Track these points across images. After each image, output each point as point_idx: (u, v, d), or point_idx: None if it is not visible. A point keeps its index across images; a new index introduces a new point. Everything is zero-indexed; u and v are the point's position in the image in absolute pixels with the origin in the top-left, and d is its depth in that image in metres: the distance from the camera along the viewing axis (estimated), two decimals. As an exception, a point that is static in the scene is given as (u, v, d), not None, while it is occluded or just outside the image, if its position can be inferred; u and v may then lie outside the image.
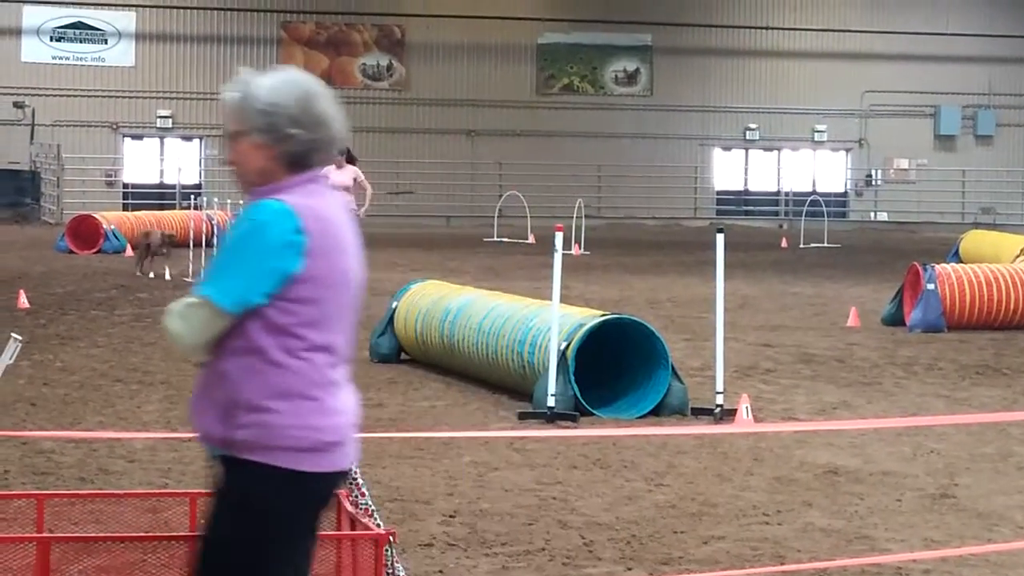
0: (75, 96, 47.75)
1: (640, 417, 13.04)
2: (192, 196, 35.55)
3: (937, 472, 10.95)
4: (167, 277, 25.91)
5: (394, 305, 16.37)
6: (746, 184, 53.51)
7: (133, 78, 48.36)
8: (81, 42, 48.02)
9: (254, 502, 4.49)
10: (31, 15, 47.63)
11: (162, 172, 49.44)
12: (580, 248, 34.86)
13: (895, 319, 20.46)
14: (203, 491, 7.51)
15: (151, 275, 26.09)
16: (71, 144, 47.04)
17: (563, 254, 13.49)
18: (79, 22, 47.95)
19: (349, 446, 4.63)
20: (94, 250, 31.96)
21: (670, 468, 10.96)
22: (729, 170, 53.27)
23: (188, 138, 49.38)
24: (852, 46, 52.48)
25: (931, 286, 19.90)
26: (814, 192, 49.99)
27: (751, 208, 52.73)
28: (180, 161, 48.52)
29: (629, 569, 8.31)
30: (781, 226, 49.43)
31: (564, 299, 14.36)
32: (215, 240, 25.71)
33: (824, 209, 42.42)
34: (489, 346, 14.17)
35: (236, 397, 4.48)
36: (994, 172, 53.64)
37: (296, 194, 4.57)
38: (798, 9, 52.70)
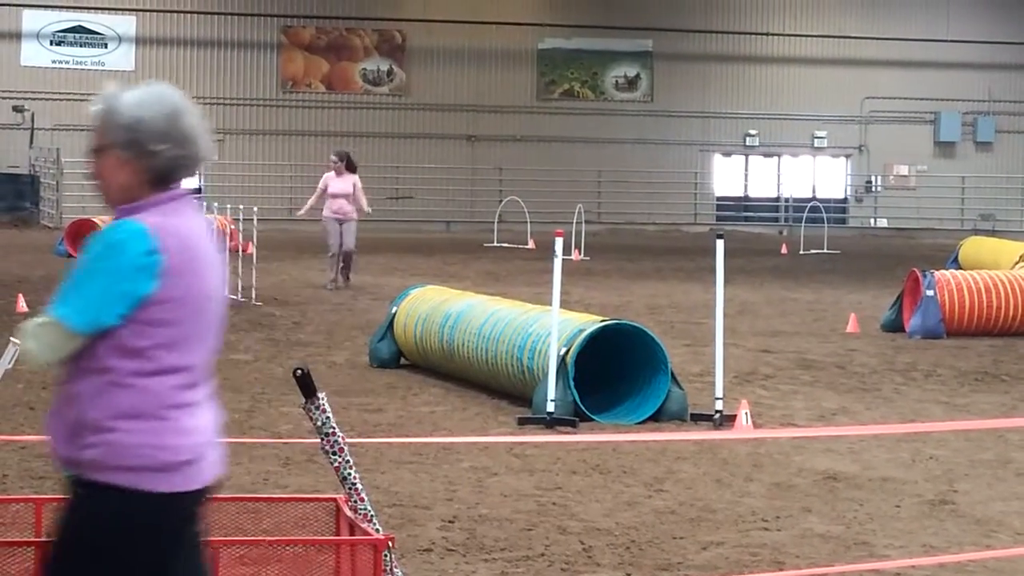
0: (75, 100, 47.72)
1: (640, 423, 13.05)
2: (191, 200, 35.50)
3: (936, 478, 10.95)
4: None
5: (393, 310, 16.37)
6: (746, 190, 53.51)
7: (133, 82, 48.22)
8: (81, 46, 48.02)
9: (100, 523, 4.45)
10: (31, 19, 47.64)
11: (162, 176, 49.42)
12: (580, 253, 34.87)
13: (894, 325, 20.47)
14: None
15: None
16: (70, 148, 47.01)
17: (563, 259, 13.49)
18: (79, 26, 47.96)
19: (206, 465, 4.57)
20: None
21: (669, 474, 10.96)
22: (729, 176, 53.26)
23: (188, 142, 49.35)
24: (852, 52, 52.49)
25: (930, 292, 19.90)
26: (814, 198, 50.00)
27: (751, 214, 52.73)
28: (180, 165, 48.52)
29: (628, 575, 8.31)
30: (781, 232, 49.43)
31: (564, 304, 14.36)
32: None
33: (824, 215, 42.42)
34: (489, 351, 14.17)
35: (84, 417, 4.45)
36: (994, 179, 53.64)
37: (157, 213, 4.50)
38: (798, 16, 52.72)
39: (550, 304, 13.40)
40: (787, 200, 52.26)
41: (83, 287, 4.43)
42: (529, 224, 39.64)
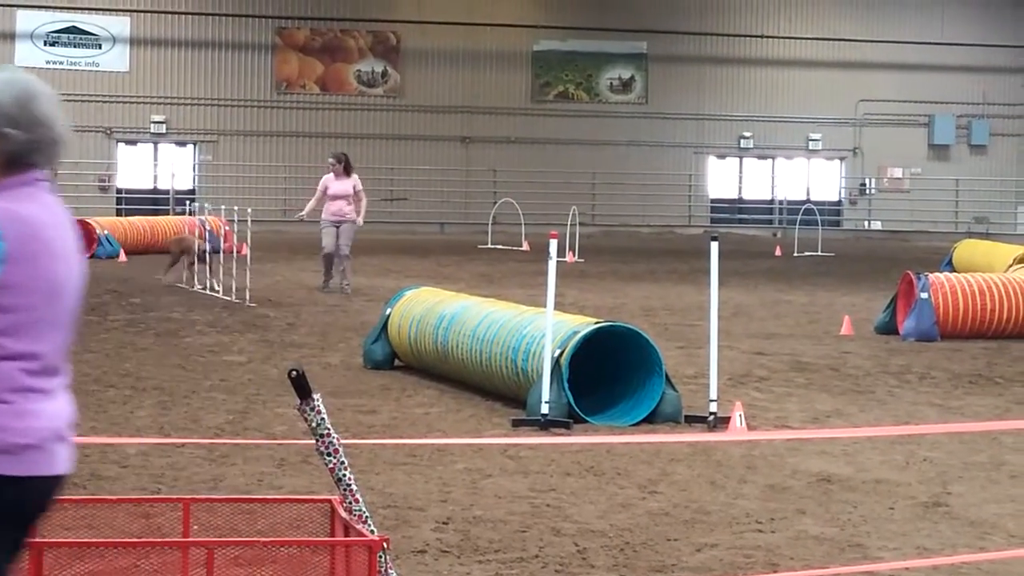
0: (69, 101, 47.67)
1: (634, 425, 13.04)
2: (186, 201, 35.53)
3: (930, 480, 10.96)
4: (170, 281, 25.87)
5: (388, 311, 16.37)
6: (740, 192, 53.55)
7: (127, 83, 48.34)
8: (75, 47, 47.99)
9: None
10: (25, 19, 47.61)
11: (156, 177, 49.41)
12: (574, 255, 34.87)
13: (888, 328, 20.48)
14: (197, 497, 7.51)
15: (195, 284, 25.07)
16: (65, 149, 46.98)
17: (557, 261, 13.49)
18: (73, 27, 47.93)
19: (52, 453, 4.52)
20: (87, 255, 31.93)
21: (663, 476, 10.97)
22: (723, 178, 53.30)
23: (182, 143, 49.36)
24: (847, 55, 52.55)
25: (924, 295, 19.91)
26: (808, 201, 50.03)
27: (745, 216, 52.77)
28: (174, 166, 48.51)
29: (622, 576, 8.31)
30: (775, 234, 49.46)
31: (558, 306, 14.36)
32: (208, 245, 25.64)
33: (818, 218, 42.46)
34: (483, 353, 14.17)
35: None
36: (988, 182, 53.71)
37: (5, 198, 4.43)
38: (793, 18, 52.76)
39: (544, 306, 13.40)
40: (781, 202, 52.31)
41: None
42: (523, 226, 39.65)
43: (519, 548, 8.81)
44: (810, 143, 53.12)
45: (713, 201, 52.88)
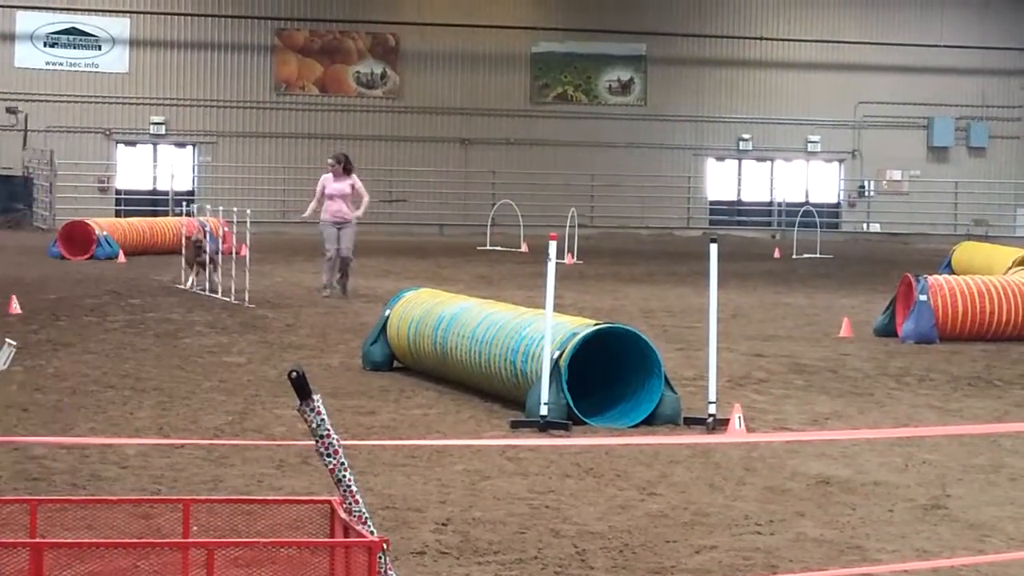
0: (68, 102, 47.73)
1: (633, 426, 13.04)
2: (185, 203, 35.53)
3: (929, 483, 10.96)
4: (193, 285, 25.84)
5: (387, 313, 16.37)
6: (739, 194, 53.55)
7: (127, 84, 48.33)
8: (75, 48, 47.98)
9: None
10: (25, 20, 47.60)
11: (155, 178, 49.40)
12: (573, 257, 34.88)
13: (887, 330, 20.48)
14: (196, 497, 7.51)
15: (203, 288, 24.61)
16: (64, 150, 47.00)
17: (556, 263, 13.49)
18: (73, 28, 47.92)
19: None
20: (86, 256, 31.94)
21: (662, 477, 10.97)
22: (722, 180, 53.29)
23: (181, 144, 49.35)
24: (846, 57, 52.56)
25: (923, 297, 19.92)
26: (807, 203, 50.02)
27: (744, 218, 52.76)
28: (173, 168, 48.51)
29: (621, 578, 8.32)
30: (774, 236, 49.46)
31: (557, 308, 14.36)
32: (207, 246, 25.61)
33: (817, 220, 42.46)
34: (482, 355, 14.17)
35: None
36: (987, 184, 53.71)
37: None
38: (792, 20, 52.76)
39: (543, 307, 13.40)
40: (780, 204, 52.30)
41: None
42: (522, 227, 39.65)
43: (518, 549, 8.81)
44: (809, 145, 53.12)
45: (712, 203, 52.88)
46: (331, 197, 24.31)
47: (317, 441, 6.47)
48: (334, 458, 6.46)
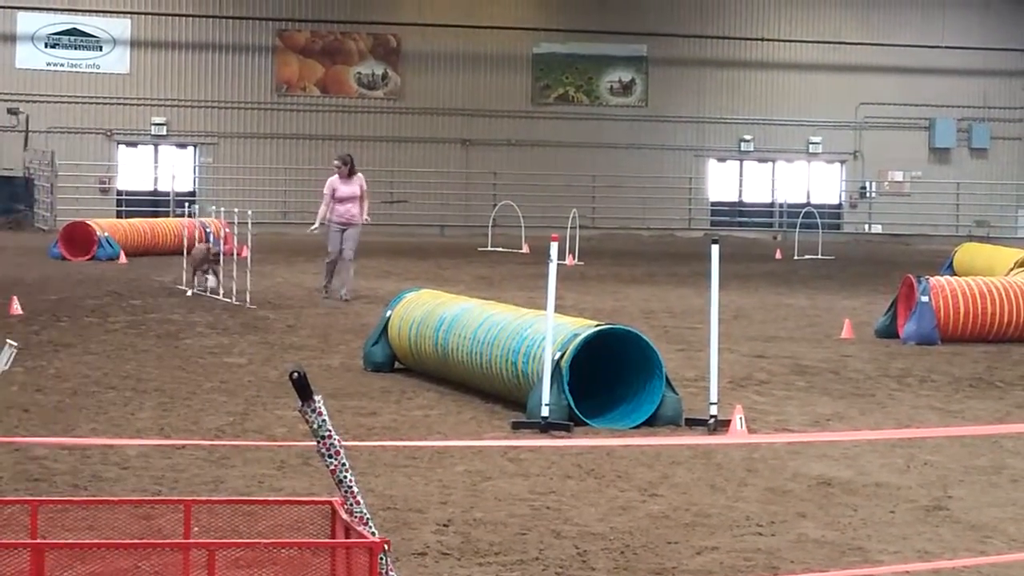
0: (69, 103, 47.73)
1: (634, 427, 13.04)
2: (186, 204, 35.55)
3: (930, 484, 10.96)
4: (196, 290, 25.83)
5: (388, 314, 16.36)
6: (741, 195, 53.54)
7: (128, 85, 48.33)
8: (76, 49, 47.99)
9: None
10: (26, 21, 47.60)
11: (156, 179, 49.40)
12: (574, 258, 34.87)
13: (889, 331, 20.47)
14: (197, 498, 7.51)
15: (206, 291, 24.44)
16: (65, 151, 47.00)
17: (557, 264, 13.48)
18: (74, 29, 47.92)
19: None
20: (87, 257, 31.94)
21: (664, 478, 10.96)
22: (724, 181, 53.29)
23: (183, 145, 49.36)
24: (847, 58, 52.56)
25: (925, 298, 19.91)
26: (808, 204, 50.01)
27: (745, 219, 52.75)
28: (174, 168, 48.52)
29: (622, 579, 8.31)
30: (775, 237, 49.45)
31: (558, 309, 14.35)
32: (216, 247, 25.60)
33: (818, 221, 42.45)
34: (483, 355, 14.17)
35: None
36: (988, 185, 53.71)
37: None
38: (794, 21, 52.76)
39: (545, 308, 13.40)
40: (782, 205, 52.28)
41: None
42: (523, 228, 39.65)
43: (519, 550, 8.81)
44: (810, 146, 53.11)
45: (713, 204, 52.87)
46: (342, 200, 23.92)
47: (318, 442, 6.47)
48: (335, 459, 6.46)
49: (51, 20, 47.72)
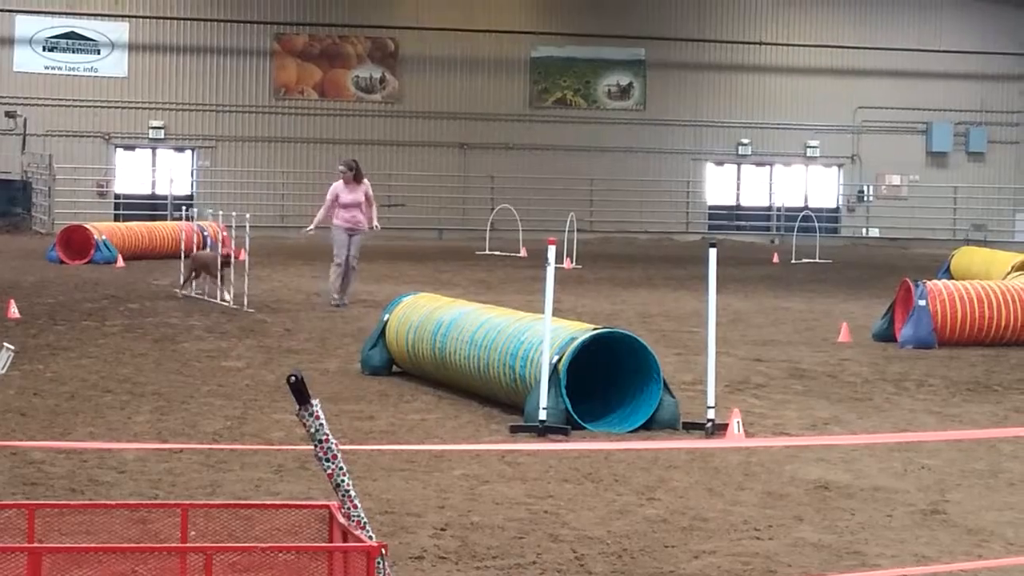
0: (67, 106, 47.71)
1: (631, 431, 13.04)
2: (184, 207, 35.53)
3: (928, 488, 10.96)
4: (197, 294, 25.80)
5: (385, 317, 16.36)
6: (738, 199, 53.53)
7: (126, 89, 48.32)
8: (74, 52, 47.97)
9: None
10: (23, 24, 47.59)
11: (154, 183, 49.39)
12: (572, 262, 34.87)
13: (886, 335, 20.48)
14: (194, 502, 7.50)
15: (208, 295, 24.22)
16: (63, 154, 46.98)
17: (555, 267, 13.49)
18: (72, 32, 47.90)
19: None
20: (85, 260, 31.93)
21: (661, 482, 10.96)
22: (721, 185, 53.29)
23: (180, 149, 49.33)
24: (845, 62, 52.58)
25: (922, 302, 19.92)
26: (806, 207, 50.03)
27: (743, 223, 52.77)
28: (172, 172, 48.50)
29: (620, 583, 8.31)
30: (773, 241, 49.46)
31: (556, 313, 14.36)
32: (207, 251, 25.59)
33: (816, 224, 42.46)
34: (481, 359, 14.17)
35: None
36: (985, 189, 53.72)
37: None
38: (791, 25, 52.78)
39: (542, 312, 13.40)
40: (779, 209, 52.29)
41: None
42: (521, 232, 39.64)
43: (517, 555, 8.81)
44: (808, 150, 53.11)
45: (711, 208, 52.88)
46: (346, 206, 23.48)
47: (316, 446, 6.47)
48: (332, 463, 6.46)
49: (49, 23, 47.71)
